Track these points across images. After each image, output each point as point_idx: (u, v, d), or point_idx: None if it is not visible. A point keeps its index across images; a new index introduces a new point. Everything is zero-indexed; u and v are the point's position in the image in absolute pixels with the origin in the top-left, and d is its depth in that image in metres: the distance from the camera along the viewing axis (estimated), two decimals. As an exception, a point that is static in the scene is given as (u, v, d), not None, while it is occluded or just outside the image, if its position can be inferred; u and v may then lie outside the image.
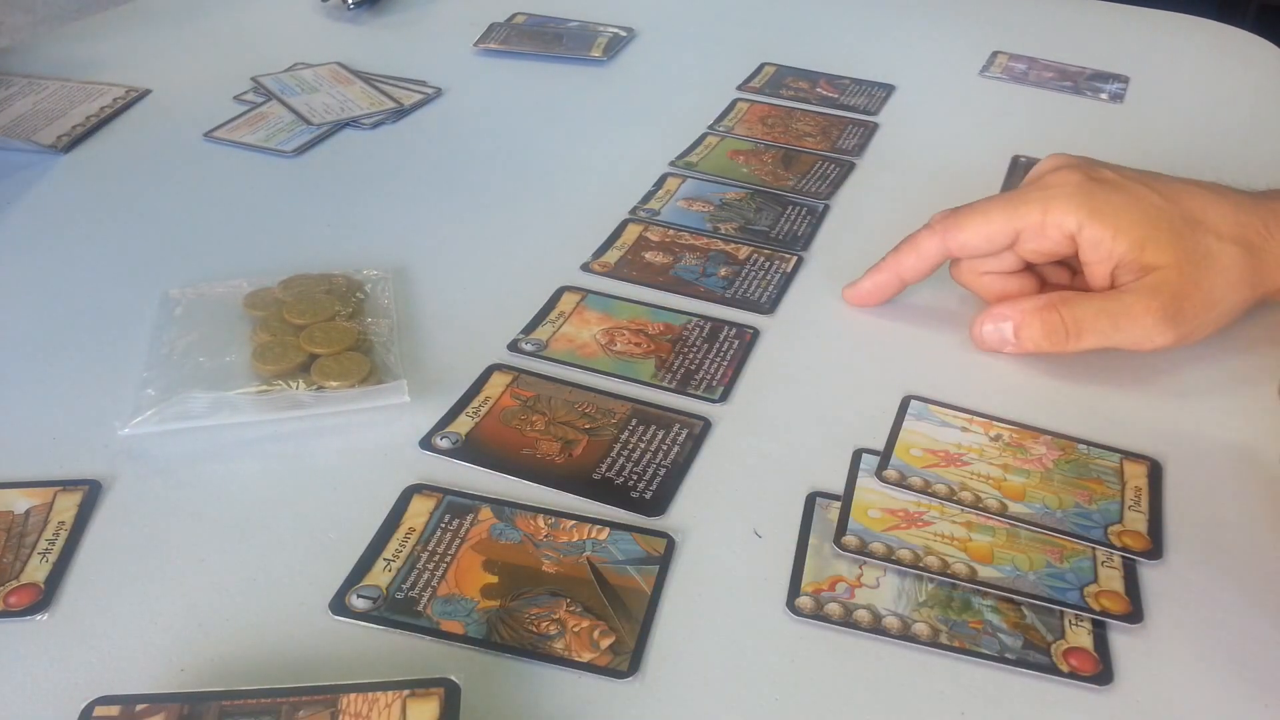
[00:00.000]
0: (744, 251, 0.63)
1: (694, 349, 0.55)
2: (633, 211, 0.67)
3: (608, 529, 0.44)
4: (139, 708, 0.35)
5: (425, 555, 0.42)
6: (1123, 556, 0.44)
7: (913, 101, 0.84)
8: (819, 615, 0.40)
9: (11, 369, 0.52)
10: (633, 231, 0.64)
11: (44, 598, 0.40)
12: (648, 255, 0.62)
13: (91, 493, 0.45)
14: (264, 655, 0.38)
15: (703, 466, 0.47)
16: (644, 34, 0.94)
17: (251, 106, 0.78)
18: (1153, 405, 0.53)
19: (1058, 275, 0.58)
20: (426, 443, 0.48)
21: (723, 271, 0.61)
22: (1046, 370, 0.55)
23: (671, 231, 0.65)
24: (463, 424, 0.49)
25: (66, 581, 0.41)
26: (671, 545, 0.43)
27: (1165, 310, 0.51)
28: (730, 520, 0.45)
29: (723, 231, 0.65)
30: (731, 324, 0.57)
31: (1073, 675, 0.39)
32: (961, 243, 0.55)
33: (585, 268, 0.61)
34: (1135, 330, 0.52)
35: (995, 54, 0.93)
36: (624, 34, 0.93)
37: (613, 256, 0.62)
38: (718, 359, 0.54)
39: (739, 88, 0.85)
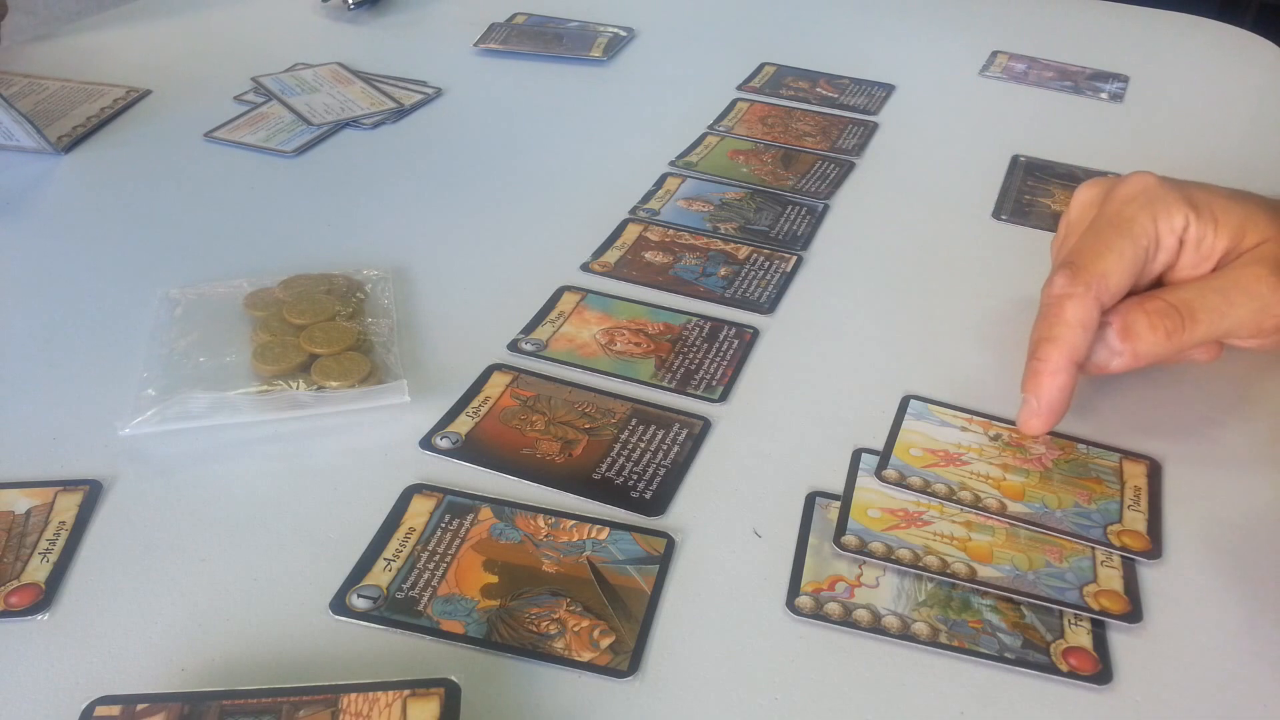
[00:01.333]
0: (744, 251, 0.63)
1: (694, 349, 0.55)
2: (633, 211, 0.67)
3: (608, 529, 0.44)
4: (139, 708, 0.35)
5: (425, 555, 0.42)
6: (1122, 556, 0.44)
7: (913, 101, 0.84)
8: (819, 615, 0.40)
9: (11, 369, 0.52)
10: (632, 231, 0.64)
11: (45, 598, 0.40)
12: (647, 255, 0.62)
13: (92, 493, 0.45)
14: (264, 655, 0.38)
15: (703, 466, 0.47)
16: (644, 34, 0.94)
17: (252, 106, 0.78)
18: (1153, 405, 0.53)
19: None
20: (426, 443, 0.48)
21: (722, 271, 0.61)
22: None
23: (671, 231, 0.65)
24: (463, 424, 0.49)
25: (67, 581, 0.41)
26: (671, 545, 0.43)
27: (1277, 274, 0.47)
28: (730, 520, 0.45)
29: (722, 231, 0.65)
30: (731, 324, 0.57)
31: (1072, 675, 0.39)
32: (1113, 292, 0.48)
33: (585, 268, 0.61)
34: (1249, 301, 0.47)
35: (995, 54, 0.93)
36: (624, 34, 0.93)
37: (613, 256, 0.62)
38: (717, 359, 0.54)
39: (739, 87, 0.85)
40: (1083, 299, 0.47)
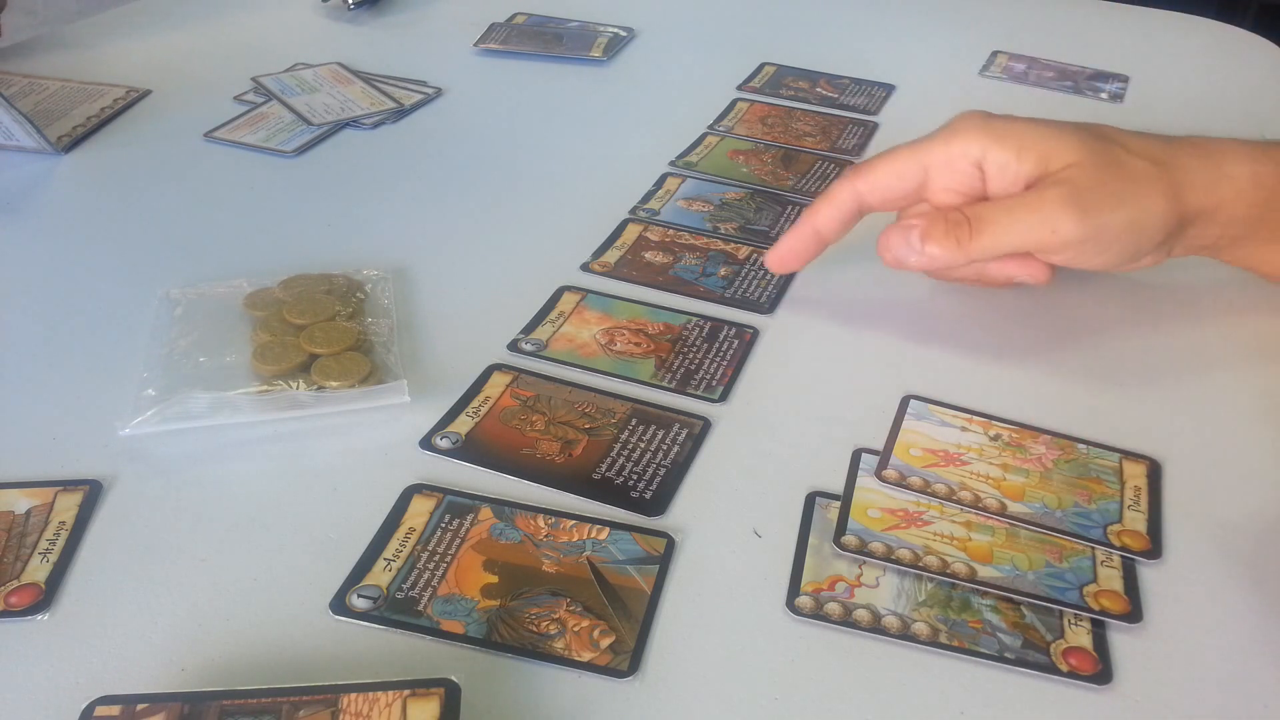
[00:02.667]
0: (744, 251, 0.63)
1: (694, 349, 0.55)
2: (633, 211, 0.67)
3: (608, 529, 0.44)
4: (139, 708, 0.35)
5: (425, 555, 0.42)
6: (1122, 556, 0.44)
7: (913, 101, 0.84)
8: (819, 615, 0.40)
9: (11, 369, 0.52)
10: (632, 231, 0.64)
11: (45, 598, 0.40)
12: (648, 255, 0.62)
13: (92, 493, 0.45)
14: (264, 655, 0.38)
15: (702, 466, 0.47)
16: (644, 34, 0.94)
17: (252, 106, 0.78)
18: (1153, 405, 0.53)
19: None
20: (426, 443, 0.48)
21: (722, 271, 0.61)
22: (1046, 370, 0.55)
23: (672, 231, 0.65)
24: (463, 424, 0.49)
25: (67, 581, 0.41)
26: (671, 545, 0.43)
27: (1069, 198, 0.50)
28: (730, 520, 0.45)
29: (723, 231, 0.65)
30: (731, 324, 0.57)
31: (1072, 675, 0.39)
32: (871, 183, 0.55)
33: (585, 268, 0.61)
34: (1036, 221, 0.51)
35: (995, 54, 0.93)
36: (624, 34, 0.93)
37: (613, 256, 0.62)
38: (717, 359, 0.54)
39: (739, 88, 0.85)
40: (840, 183, 0.56)
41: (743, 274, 0.61)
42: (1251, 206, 0.53)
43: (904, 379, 0.53)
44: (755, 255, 0.63)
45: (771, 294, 0.59)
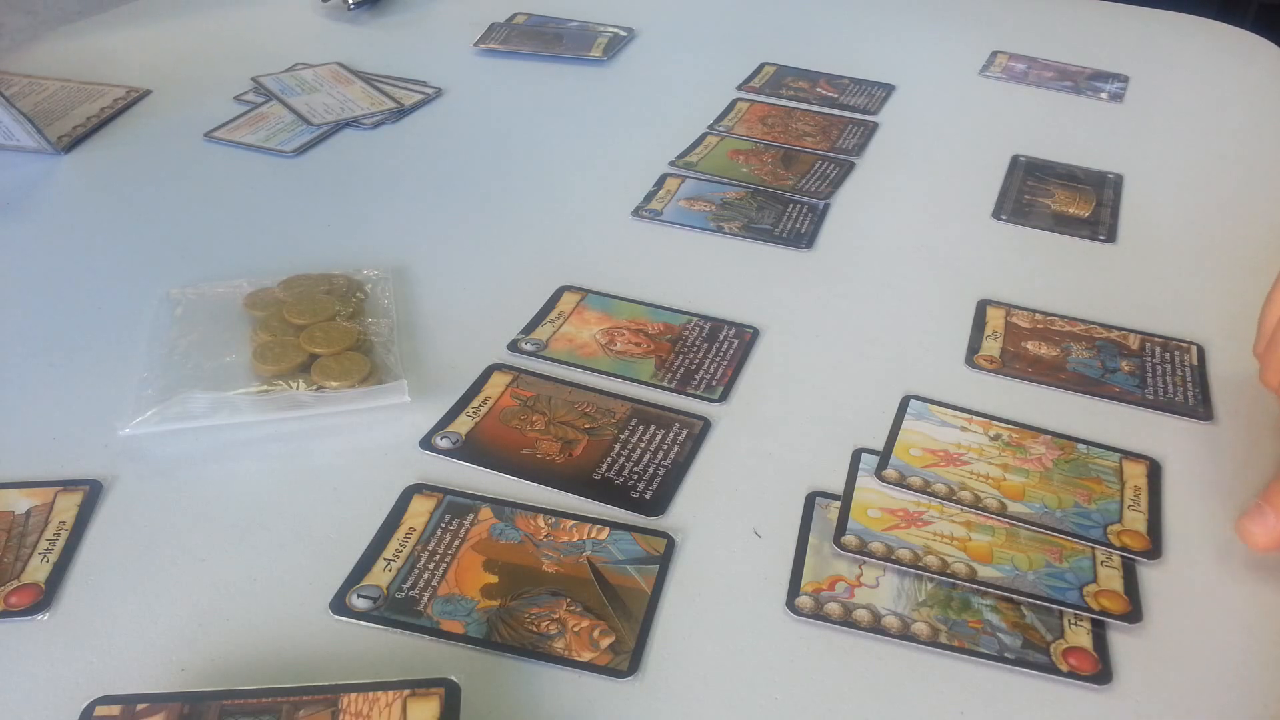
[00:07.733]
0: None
1: (694, 349, 0.55)
2: (635, 211, 0.67)
3: (608, 529, 0.44)
4: (139, 708, 0.35)
5: (425, 555, 0.42)
6: (1122, 556, 0.44)
7: (913, 101, 0.84)
8: (819, 615, 0.40)
9: (11, 369, 0.52)
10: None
11: (45, 598, 0.40)
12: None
13: (92, 493, 0.45)
14: (264, 655, 0.38)
15: (703, 466, 0.47)
16: (644, 34, 0.94)
17: (252, 106, 0.78)
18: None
19: None
20: (426, 443, 0.48)
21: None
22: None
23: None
24: (463, 424, 0.49)
25: (67, 581, 0.41)
26: (671, 545, 0.43)
27: None
28: (730, 520, 0.45)
29: (726, 230, 0.65)
30: (731, 324, 0.57)
31: (1072, 675, 0.39)
32: None
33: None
34: None
35: (995, 54, 0.93)
36: (624, 34, 0.93)
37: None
38: (717, 359, 0.54)
39: (739, 87, 0.85)
40: None
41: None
42: None
43: (904, 379, 0.53)
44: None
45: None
